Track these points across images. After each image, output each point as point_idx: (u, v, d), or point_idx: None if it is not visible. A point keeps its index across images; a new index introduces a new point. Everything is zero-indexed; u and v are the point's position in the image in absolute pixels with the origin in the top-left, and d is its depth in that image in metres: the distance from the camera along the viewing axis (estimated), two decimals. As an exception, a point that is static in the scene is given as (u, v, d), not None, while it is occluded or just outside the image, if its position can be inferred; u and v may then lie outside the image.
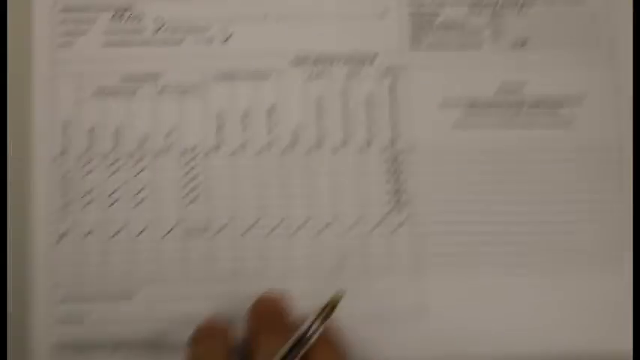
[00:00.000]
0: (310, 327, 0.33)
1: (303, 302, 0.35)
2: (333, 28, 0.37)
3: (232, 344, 0.33)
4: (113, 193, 0.36)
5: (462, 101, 0.37)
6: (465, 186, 0.37)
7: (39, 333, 0.35)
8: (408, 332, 0.36)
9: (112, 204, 0.36)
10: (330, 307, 0.34)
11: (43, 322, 0.35)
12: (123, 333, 0.35)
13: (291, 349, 0.32)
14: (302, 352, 0.33)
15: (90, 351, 0.35)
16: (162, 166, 0.36)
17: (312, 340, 0.33)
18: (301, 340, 0.33)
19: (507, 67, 0.37)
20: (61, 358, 0.35)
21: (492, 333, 0.36)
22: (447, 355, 0.36)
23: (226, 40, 0.37)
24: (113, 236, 0.36)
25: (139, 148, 0.36)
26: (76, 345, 0.35)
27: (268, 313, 0.35)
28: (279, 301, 0.35)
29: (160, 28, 0.37)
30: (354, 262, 0.36)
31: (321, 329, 0.33)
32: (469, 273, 0.36)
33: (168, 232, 0.36)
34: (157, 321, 0.35)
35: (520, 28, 0.37)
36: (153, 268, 0.36)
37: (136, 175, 0.36)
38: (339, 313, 0.34)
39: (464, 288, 0.36)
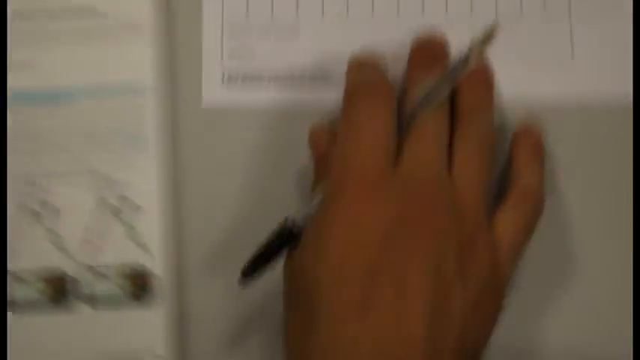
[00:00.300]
0: (466, 56, 0.34)
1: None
2: None
3: (387, 75, 0.34)
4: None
5: None
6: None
7: (209, 68, 0.37)
8: (555, 76, 0.37)
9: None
10: (486, 37, 0.35)
11: (213, 56, 0.37)
12: (288, 68, 0.37)
13: (446, 77, 0.33)
14: (456, 77, 0.34)
15: (257, 83, 0.37)
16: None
17: (468, 66, 0.34)
18: (456, 69, 0.34)
19: None
20: (230, 89, 0.37)
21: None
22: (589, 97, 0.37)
23: None
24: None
25: None
26: (244, 77, 0.37)
27: (427, 50, 0.35)
28: (439, 40, 0.35)
29: None
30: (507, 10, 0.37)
31: (475, 56, 0.34)
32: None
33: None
34: (321, 57, 0.37)
35: None
36: (317, 8, 0.37)
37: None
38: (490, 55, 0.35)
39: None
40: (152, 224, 0.35)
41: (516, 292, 0.36)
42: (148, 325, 0.34)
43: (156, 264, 0.35)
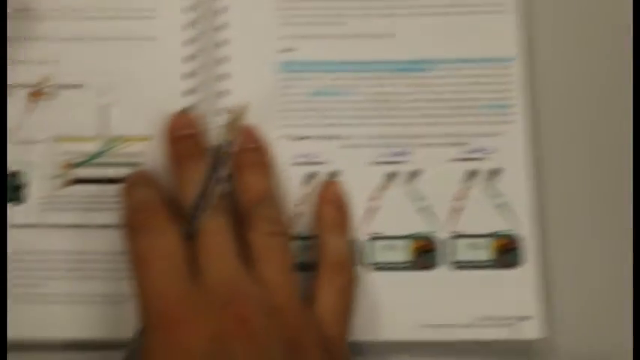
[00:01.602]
0: (222, 145, 0.34)
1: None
2: None
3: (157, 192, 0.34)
4: None
5: None
6: None
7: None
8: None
9: None
10: (236, 119, 0.35)
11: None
12: None
13: (212, 176, 0.33)
14: (222, 170, 0.34)
15: None
16: None
17: (229, 156, 0.34)
18: (219, 162, 0.34)
19: None
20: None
21: None
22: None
23: None
24: None
25: None
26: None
27: (182, 139, 0.35)
28: (193, 126, 0.36)
29: None
30: None
31: (232, 141, 0.34)
32: None
33: None
34: None
35: None
36: None
37: None
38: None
39: None
40: (518, 189, 0.36)
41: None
42: (516, 288, 0.36)
43: (523, 228, 0.36)
